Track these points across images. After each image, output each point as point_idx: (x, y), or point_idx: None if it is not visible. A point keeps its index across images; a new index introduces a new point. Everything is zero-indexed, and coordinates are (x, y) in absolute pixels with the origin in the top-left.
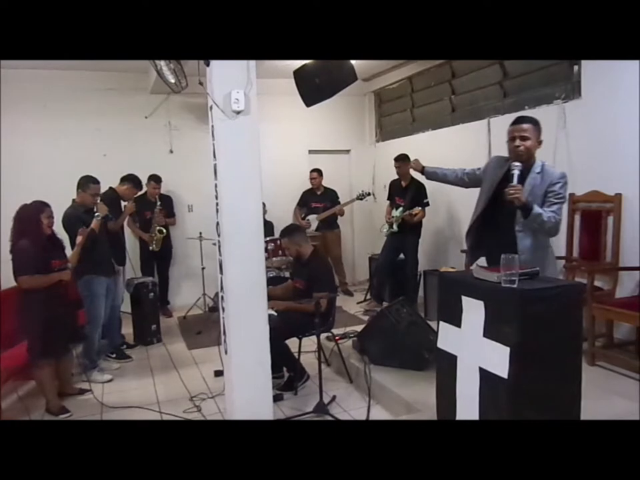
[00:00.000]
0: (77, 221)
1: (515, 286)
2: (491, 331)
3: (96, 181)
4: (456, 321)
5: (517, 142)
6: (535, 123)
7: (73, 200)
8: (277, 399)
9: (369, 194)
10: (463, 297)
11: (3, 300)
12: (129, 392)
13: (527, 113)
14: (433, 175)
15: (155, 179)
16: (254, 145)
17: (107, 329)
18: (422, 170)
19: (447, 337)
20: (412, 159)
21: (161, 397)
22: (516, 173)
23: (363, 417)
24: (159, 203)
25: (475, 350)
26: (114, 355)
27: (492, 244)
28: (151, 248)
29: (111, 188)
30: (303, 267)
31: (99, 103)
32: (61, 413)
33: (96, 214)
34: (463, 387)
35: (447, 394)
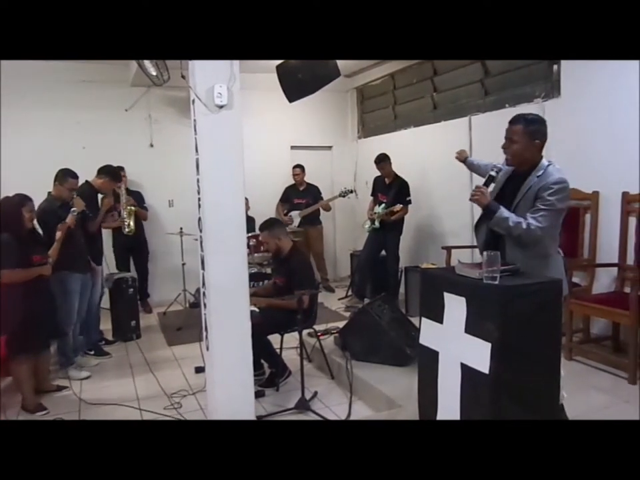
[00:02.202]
0: (52, 215)
1: (497, 282)
2: (473, 327)
3: (74, 175)
4: (438, 317)
5: (506, 143)
6: (528, 122)
7: (49, 193)
8: (258, 395)
9: (351, 191)
10: (445, 294)
11: None
12: (108, 389)
13: (507, 111)
14: (471, 165)
15: (121, 169)
16: (237, 140)
17: (85, 325)
18: (464, 160)
19: (429, 333)
20: (393, 156)
21: (141, 393)
22: (491, 173)
23: (345, 413)
24: (124, 187)
25: (457, 346)
26: (92, 352)
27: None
28: (125, 231)
29: (87, 182)
30: (282, 263)
31: (77, 95)
32: (37, 411)
33: (72, 209)
34: (444, 382)
35: (428, 389)
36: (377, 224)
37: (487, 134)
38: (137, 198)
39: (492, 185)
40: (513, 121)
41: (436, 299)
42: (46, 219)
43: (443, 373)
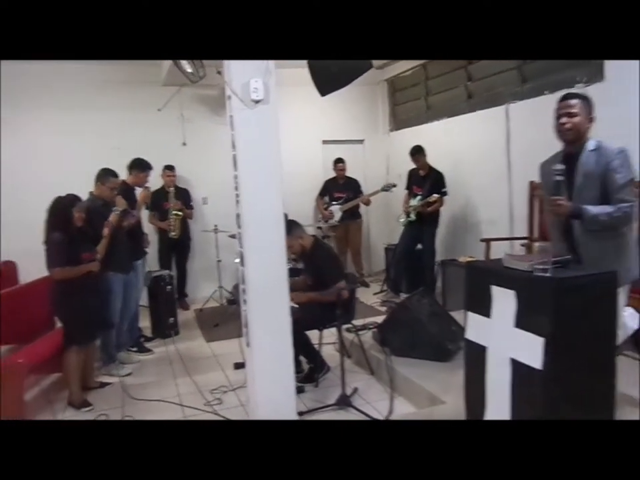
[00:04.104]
0: (96, 214)
1: (549, 274)
2: (523, 321)
3: (115, 175)
4: (485, 311)
5: (564, 119)
6: (584, 98)
7: (91, 193)
8: (298, 391)
9: (394, 185)
10: (493, 287)
11: (27, 293)
12: (149, 385)
13: (547, 98)
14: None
15: (169, 168)
16: (274, 135)
17: (128, 322)
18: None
19: (476, 328)
20: (426, 148)
21: (181, 390)
22: (558, 179)
23: (386, 409)
24: (172, 189)
25: (506, 341)
26: (134, 349)
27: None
28: (171, 235)
29: (123, 181)
30: (308, 261)
31: (110, 96)
32: (83, 406)
33: (115, 208)
34: (493, 378)
35: (475, 386)
36: (412, 217)
37: (525, 122)
38: (185, 196)
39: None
40: (568, 97)
41: (482, 293)
42: (90, 218)
43: (491, 369)
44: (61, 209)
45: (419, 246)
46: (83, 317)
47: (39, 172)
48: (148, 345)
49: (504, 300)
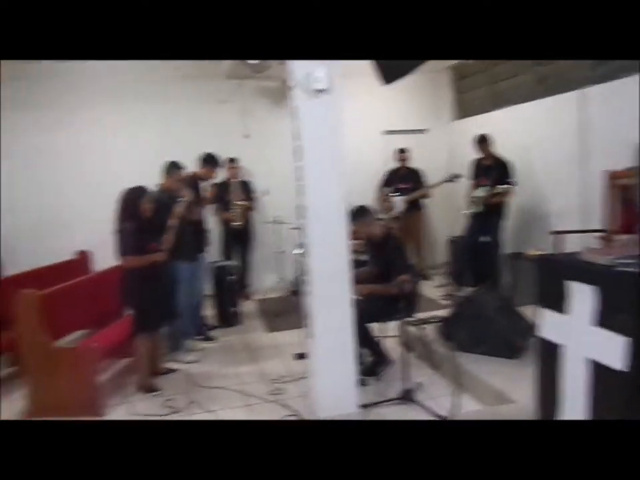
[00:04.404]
0: (163, 206)
1: (634, 269)
2: (604, 318)
3: (181, 167)
4: (560, 307)
5: None
6: None
7: (159, 185)
8: (359, 383)
9: (459, 176)
10: (569, 282)
11: (100, 281)
12: (213, 373)
13: (623, 82)
14: None
15: (232, 160)
16: (337, 124)
17: (192, 311)
18: None
19: (550, 325)
20: (492, 136)
21: (244, 378)
22: None
23: (450, 406)
24: (236, 181)
25: (584, 339)
26: (199, 337)
27: None
28: (234, 225)
29: (190, 173)
30: (376, 250)
31: (174, 90)
32: (151, 391)
33: (181, 199)
34: (568, 378)
35: (548, 385)
36: (478, 208)
37: (599, 108)
38: (247, 187)
39: None
40: None
41: (558, 288)
42: (157, 209)
43: (566, 368)
44: (130, 200)
45: (484, 238)
46: (150, 306)
47: (111, 166)
48: (212, 333)
49: (581, 296)
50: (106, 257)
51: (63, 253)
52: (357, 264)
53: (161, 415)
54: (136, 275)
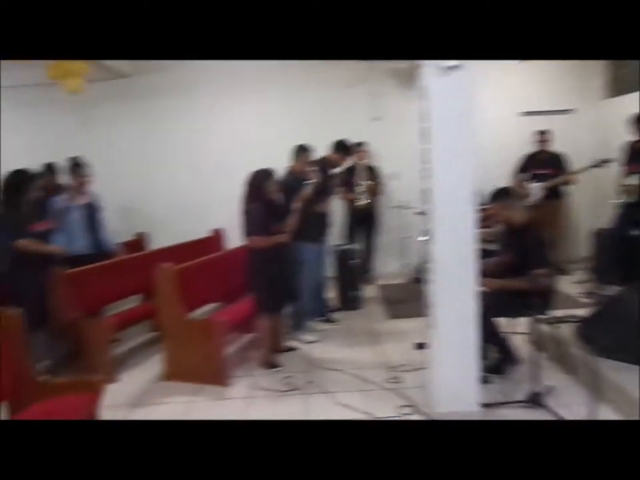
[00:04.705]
0: (291, 188)
1: None
2: None
3: (310, 149)
4: None
5: None
6: None
7: (289, 167)
8: (482, 381)
9: (608, 160)
10: None
11: (231, 258)
12: (332, 355)
13: None
14: None
15: (360, 144)
16: (469, 104)
17: (315, 292)
18: None
19: None
20: None
21: (362, 362)
22: None
23: (584, 415)
24: (363, 164)
25: None
26: (320, 318)
27: None
28: (358, 204)
29: (321, 157)
30: (512, 238)
31: (302, 74)
32: (273, 367)
33: (308, 181)
34: None
35: None
36: (629, 197)
37: None
38: (375, 171)
39: None
40: None
41: None
42: (285, 191)
43: None
44: (256, 182)
45: (636, 231)
46: (272, 287)
47: (244, 148)
48: (333, 315)
49: None
50: (239, 236)
51: (200, 231)
52: (485, 254)
53: (280, 391)
54: (260, 255)
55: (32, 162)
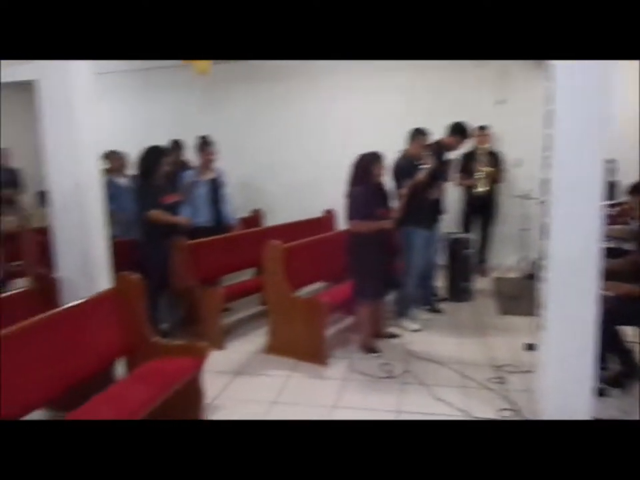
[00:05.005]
0: (404, 172)
1: None
2: None
3: (426, 133)
4: None
5: None
6: None
7: (404, 150)
8: (598, 393)
9: None
10: None
11: (339, 239)
12: (434, 345)
13: None
14: None
15: (482, 127)
16: (602, 84)
17: (423, 280)
18: None
19: None
20: None
21: (465, 357)
22: None
23: None
24: (484, 149)
25: None
26: (426, 307)
27: None
28: (476, 191)
29: (437, 141)
30: None
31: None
32: (372, 352)
33: (423, 166)
34: None
35: None
36: None
37: None
38: (496, 157)
39: None
40: None
41: None
42: (398, 175)
43: None
44: (362, 165)
45: None
46: (372, 274)
47: (359, 130)
48: (440, 305)
49: None
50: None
51: (315, 211)
52: (616, 253)
53: (376, 377)
54: (361, 240)
55: (161, 139)
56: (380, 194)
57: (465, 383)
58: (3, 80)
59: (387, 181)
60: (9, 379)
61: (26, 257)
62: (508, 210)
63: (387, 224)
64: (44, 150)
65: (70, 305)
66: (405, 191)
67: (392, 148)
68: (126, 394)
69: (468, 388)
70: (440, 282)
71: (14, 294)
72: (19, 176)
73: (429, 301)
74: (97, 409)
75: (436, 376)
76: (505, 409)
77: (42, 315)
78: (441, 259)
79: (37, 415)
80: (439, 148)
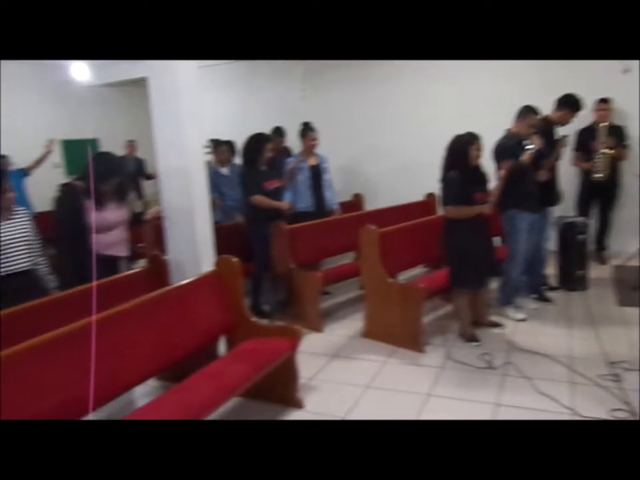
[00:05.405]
0: (507, 152)
1: None
2: None
3: (535, 112)
4: None
5: None
6: None
7: (508, 130)
8: None
9: None
10: None
11: (436, 224)
12: (541, 336)
13: None
14: None
15: (604, 101)
16: None
17: (530, 266)
18: None
19: None
20: None
21: (575, 351)
22: None
23: None
24: (604, 125)
25: None
26: (534, 295)
27: None
28: (595, 176)
29: (544, 117)
30: None
31: None
32: (472, 340)
33: (528, 146)
34: None
35: None
36: None
37: None
38: (619, 133)
39: None
40: None
41: None
42: (501, 155)
43: None
44: (458, 147)
45: None
46: (468, 261)
47: (469, 114)
48: (550, 294)
49: None
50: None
51: (417, 195)
52: None
53: (474, 367)
54: (457, 226)
55: (265, 127)
56: (477, 177)
57: (573, 378)
58: (118, 78)
59: (486, 163)
60: (126, 349)
61: (146, 240)
62: (631, 191)
63: (484, 208)
64: (154, 141)
65: (177, 284)
66: (503, 172)
67: (496, 128)
68: (225, 370)
69: (577, 384)
70: (551, 269)
71: (134, 272)
72: (143, 165)
73: (538, 289)
74: (199, 383)
75: (541, 369)
76: (619, 409)
77: (153, 293)
78: (553, 244)
79: (149, 385)
80: (547, 125)
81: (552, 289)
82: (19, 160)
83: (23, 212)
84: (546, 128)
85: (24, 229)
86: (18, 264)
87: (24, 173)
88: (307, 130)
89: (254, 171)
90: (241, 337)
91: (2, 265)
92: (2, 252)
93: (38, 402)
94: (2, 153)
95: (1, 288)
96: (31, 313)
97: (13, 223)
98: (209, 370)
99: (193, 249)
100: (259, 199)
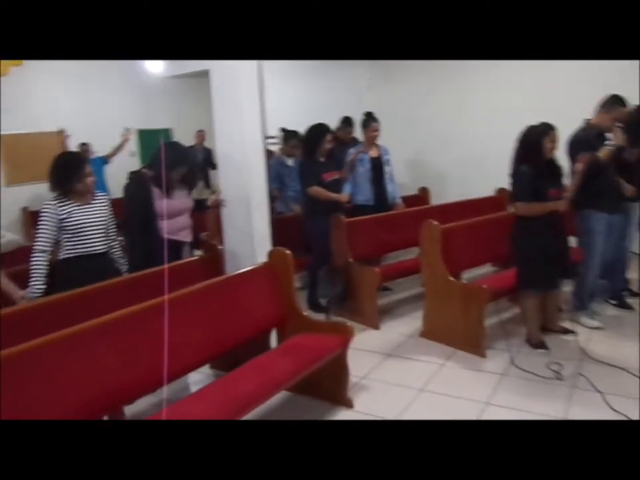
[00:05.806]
0: (583, 145)
1: None
2: None
3: (623, 103)
4: None
5: None
6: None
7: (587, 120)
8: None
9: None
10: None
11: (502, 223)
12: (618, 347)
13: None
14: None
15: None
16: None
17: (610, 269)
18: None
19: None
20: None
21: None
22: None
23: None
24: None
25: None
26: (613, 301)
27: None
28: None
29: (631, 109)
30: None
31: None
32: (539, 347)
33: (608, 141)
34: None
35: None
36: None
37: None
38: None
39: None
40: None
41: None
42: (577, 148)
43: None
44: (532, 139)
45: None
46: (541, 260)
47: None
48: (631, 301)
49: None
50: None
51: (487, 189)
52: None
53: (539, 376)
54: (527, 224)
55: (334, 117)
56: (551, 172)
57: None
58: (187, 70)
59: (561, 157)
60: (177, 337)
61: (210, 228)
62: None
63: (559, 205)
64: (214, 131)
65: (229, 275)
66: (580, 167)
67: (571, 119)
68: (272, 364)
69: None
70: (635, 273)
71: (192, 260)
72: (212, 155)
73: (618, 295)
74: (245, 375)
75: (614, 383)
76: None
77: (205, 282)
78: (637, 246)
79: (204, 372)
80: (634, 118)
81: (634, 294)
82: (99, 148)
83: (102, 197)
84: (632, 121)
85: (102, 213)
86: (95, 246)
87: (104, 160)
88: (369, 120)
89: (312, 161)
90: (291, 330)
91: (80, 246)
92: (81, 233)
93: (100, 382)
94: (84, 141)
95: (77, 268)
96: (102, 293)
97: (93, 206)
98: (256, 362)
99: (249, 239)
100: (316, 190)
